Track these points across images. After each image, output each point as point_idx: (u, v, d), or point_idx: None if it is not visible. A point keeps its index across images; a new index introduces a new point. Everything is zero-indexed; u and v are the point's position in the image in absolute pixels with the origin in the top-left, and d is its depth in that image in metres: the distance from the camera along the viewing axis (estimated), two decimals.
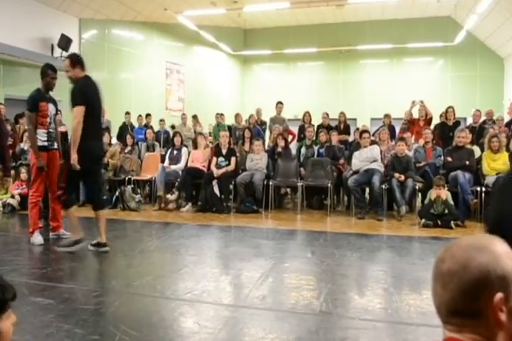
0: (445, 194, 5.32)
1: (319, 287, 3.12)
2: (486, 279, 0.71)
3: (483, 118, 8.13)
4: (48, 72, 4.30)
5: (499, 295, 0.71)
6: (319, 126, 7.89)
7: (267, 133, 8.67)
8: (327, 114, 8.23)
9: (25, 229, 4.61)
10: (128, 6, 10.18)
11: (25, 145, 6.96)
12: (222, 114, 9.93)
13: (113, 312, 2.58)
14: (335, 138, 6.99)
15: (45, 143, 4.34)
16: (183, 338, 2.28)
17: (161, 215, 6.08)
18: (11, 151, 7.17)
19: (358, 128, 8.12)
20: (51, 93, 4.47)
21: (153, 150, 7.73)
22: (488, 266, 0.72)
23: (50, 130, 4.37)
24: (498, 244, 0.76)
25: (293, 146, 7.69)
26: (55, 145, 4.45)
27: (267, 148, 7.43)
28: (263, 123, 8.83)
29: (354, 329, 2.40)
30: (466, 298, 0.73)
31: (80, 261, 3.84)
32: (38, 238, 4.24)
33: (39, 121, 4.29)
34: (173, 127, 9.46)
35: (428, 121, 7.47)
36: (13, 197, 6.22)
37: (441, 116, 7.86)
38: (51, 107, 4.39)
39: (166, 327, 2.38)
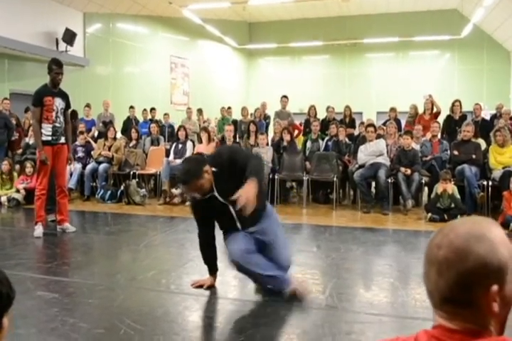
0: (451, 188, 5.27)
1: (325, 281, 3.11)
2: (483, 271, 0.71)
3: (492, 112, 8.07)
4: (53, 68, 4.31)
5: (495, 288, 0.71)
6: (324, 120, 7.82)
7: (271, 127, 8.61)
8: (333, 108, 8.17)
9: (30, 223, 4.63)
10: None
11: (30, 139, 6.96)
12: (229, 108, 9.87)
13: (118, 306, 2.57)
14: (342, 133, 6.91)
15: (49, 138, 4.33)
16: (188, 332, 2.27)
17: (166, 209, 6.07)
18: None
19: (362, 122, 8.05)
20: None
21: (158, 144, 7.72)
22: (486, 257, 0.71)
23: (56, 124, 4.36)
24: (496, 231, 0.75)
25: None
26: (62, 140, 4.44)
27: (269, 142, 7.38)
28: (266, 117, 8.78)
29: (360, 323, 2.38)
30: (461, 288, 0.73)
31: (85, 256, 3.84)
32: (37, 231, 4.27)
33: (44, 115, 4.29)
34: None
35: (435, 115, 7.40)
36: (18, 191, 6.24)
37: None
38: (58, 102, 4.37)
39: (171, 321, 2.38)
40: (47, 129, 4.31)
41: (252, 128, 7.09)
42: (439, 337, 0.74)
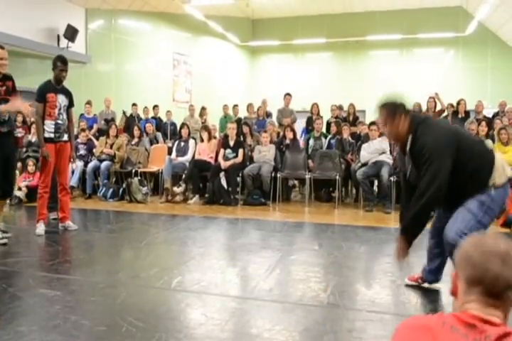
0: None
1: (326, 279, 3.10)
2: None
3: (495, 110, 8.02)
4: (57, 64, 4.31)
5: None
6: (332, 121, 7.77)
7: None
8: (337, 107, 8.15)
9: (32, 221, 4.63)
10: None
11: (32, 137, 6.96)
12: (236, 105, 9.72)
13: (120, 303, 2.57)
14: (346, 131, 6.87)
15: (52, 135, 4.32)
16: (189, 329, 2.27)
17: (167, 207, 6.08)
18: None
19: (360, 122, 7.99)
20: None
21: (157, 143, 7.70)
22: None
23: (59, 121, 4.35)
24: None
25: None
26: (65, 137, 4.43)
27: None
28: (268, 114, 8.75)
29: (361, 321, 2.37)
30: None
31: (87, 253, 3.85)
32: (39, 229, 4.29)
33: (47, 112, 4.29)
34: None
35: (438, 113, 7.37)
36: (20, 189, 6.24)
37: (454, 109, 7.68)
38: (61, 99, 4.37)
39: (173, 319, 2.37)
40: (49, 126, 4.30)
41: (246, 130, 7.04)
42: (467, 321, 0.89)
